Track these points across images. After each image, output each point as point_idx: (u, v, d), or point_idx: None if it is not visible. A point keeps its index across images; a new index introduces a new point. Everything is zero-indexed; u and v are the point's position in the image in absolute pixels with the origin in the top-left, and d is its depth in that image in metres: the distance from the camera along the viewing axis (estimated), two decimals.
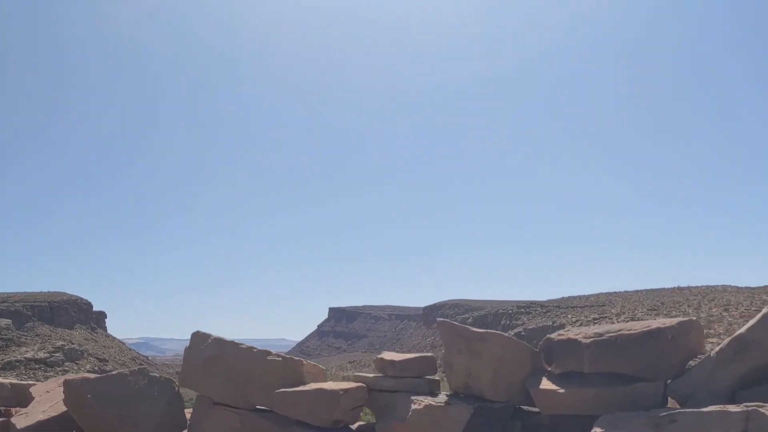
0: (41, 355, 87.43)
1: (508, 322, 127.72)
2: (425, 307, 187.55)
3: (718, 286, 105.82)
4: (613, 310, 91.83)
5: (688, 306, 78.17)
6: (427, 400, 7.67)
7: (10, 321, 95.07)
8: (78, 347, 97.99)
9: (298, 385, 8.75)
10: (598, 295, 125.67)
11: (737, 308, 69.64)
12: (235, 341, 9.44)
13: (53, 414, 9.38)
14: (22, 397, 10.28)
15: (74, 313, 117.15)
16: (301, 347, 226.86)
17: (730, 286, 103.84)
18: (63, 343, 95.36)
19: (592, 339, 7.40)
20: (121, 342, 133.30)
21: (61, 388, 9.87)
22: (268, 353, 9.17)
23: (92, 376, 9.44)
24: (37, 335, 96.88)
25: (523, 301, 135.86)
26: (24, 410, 9.67)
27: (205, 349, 9.41)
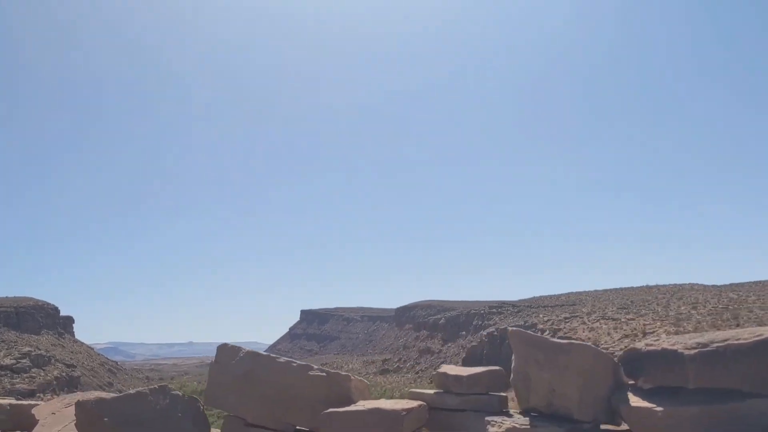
0: (7, 361, 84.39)
1: (480, 323, 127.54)
2: (397, 309, 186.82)
3: (685, 284, 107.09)
4: (584, 309, 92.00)
5: (657, 304, 78.65)
6: (508, 422, 6.72)
7: None
8: (45, 353, 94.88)
9: (345, 403, 7.76)
10: (568, 295, 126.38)
11: (705, 306, 70.04)
12: (271, 355, 8.41)
13: None
14: (23, 419, 9.09)
15: (41, 319, 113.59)
16: (273, 350, 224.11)
17: (697, 284, 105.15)
18: (30, 349, 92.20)
19: (696, 350, 6.54)
20: (90, 347, 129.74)
21: (68, 409, 8.76)
22: (310, 368, 8.16)
23: (107, 395, 8.32)
24: (2, 341, 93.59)
25: (495, 301, 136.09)
26: None
27: (236, 364, 8.36)
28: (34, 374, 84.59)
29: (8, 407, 9.11)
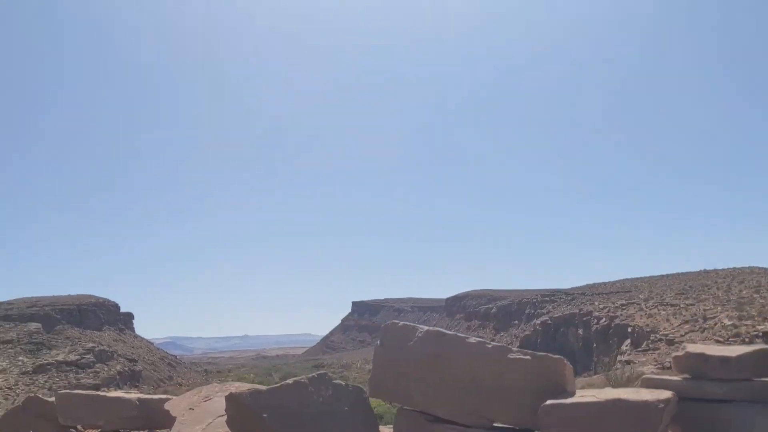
0: (72, 357, 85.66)
1: (532, 311, 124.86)
2: (448, 299, 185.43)
3: (745, 267, 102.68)
4: (641, 296, 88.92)
5: (718, 289, 75.37)
6: None
7: (40, 325, 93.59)
8: (108, 348, 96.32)
9: (559, 393, 6.12)
10: (623, 281, 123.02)
11: None
12: (459, 334, 6.86)
13: None
14: (157, 416, 7.76)
15: (102, 315, 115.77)
16: (326, 341, 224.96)
17: (757, 267, 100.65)
18: (93, 344, 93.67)
19: None
20: (149, 342, 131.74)
21: (207, 403, 7.41)
22: (509, 350, 6.56)
23: (262, 387, 6.89)
24: (66, 338, 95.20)
25: (547, 290, 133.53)
26: None
27: (412, 346, 6.81)
28: (98, 369, 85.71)
29: (137, 402, 7.79)
